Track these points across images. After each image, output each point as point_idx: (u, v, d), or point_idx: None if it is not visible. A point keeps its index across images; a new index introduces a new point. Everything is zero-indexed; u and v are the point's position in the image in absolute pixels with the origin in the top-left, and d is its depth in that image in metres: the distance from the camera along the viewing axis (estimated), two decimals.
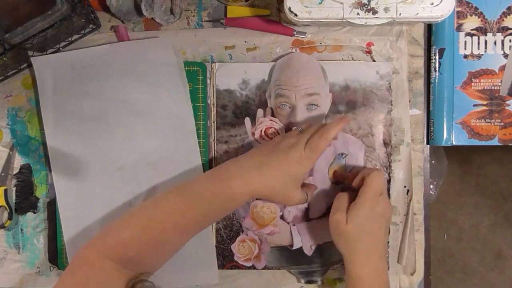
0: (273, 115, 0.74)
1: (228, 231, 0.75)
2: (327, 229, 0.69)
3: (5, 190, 0.74)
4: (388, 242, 0.74)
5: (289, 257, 0.74)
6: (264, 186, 0.62)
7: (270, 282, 0.76)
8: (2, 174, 0.75)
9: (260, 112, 0.74)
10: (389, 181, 0.74)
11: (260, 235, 0.74)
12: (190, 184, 0.64)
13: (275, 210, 0.73)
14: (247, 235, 0.74)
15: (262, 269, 0.74)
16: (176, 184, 0.65)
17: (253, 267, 0.74)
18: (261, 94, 0.74)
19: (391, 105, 0.74)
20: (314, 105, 0.73)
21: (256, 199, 0.71)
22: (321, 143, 0.63)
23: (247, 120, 0.74)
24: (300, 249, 0.74)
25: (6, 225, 0.74)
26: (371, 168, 0.70)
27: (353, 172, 0.70)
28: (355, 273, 0.64)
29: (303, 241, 0.74)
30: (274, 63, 0.75)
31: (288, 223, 0.74)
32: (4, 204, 0.74)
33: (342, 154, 0.74)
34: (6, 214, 0.74)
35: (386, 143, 0.74)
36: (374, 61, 0.75)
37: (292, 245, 0.74)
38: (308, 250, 0.74)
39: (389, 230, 0.73)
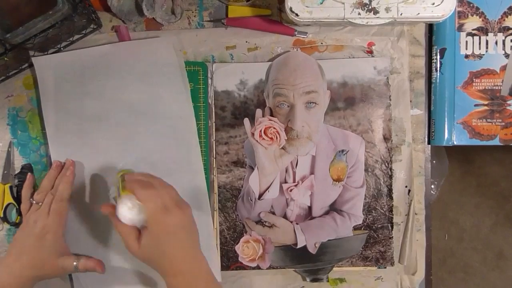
0: (272, 114, 0.74)
1: (232, 232, 0.75)
2: (331, 227, 0.70)
3: (11, 187, 0.74)
4: (391, 239, 0.74)
5: (294, 256, 0.74)
6: (25, 276, 0.65)
7: (272, 282, 0.76)
8: (5, 172, 0.75)
9: (258, 112, 0.74)
10: (390, 181, 0.75)
11: (263, 235, 0.74)
12: None
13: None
14: (250, 235, 0.74)
15: (266, 269, 0.74)
16: None
17: (258, 268, 0.74)
18: (259, 94, 0.74)
19: (390, 100, 0.74)
20: (313, 103, 0.73)
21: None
22: (58, 206, 0.69)
23: (246, 121, 0.74)
24: (305, 247, 0.74)
25: (17, 221, 0.74)
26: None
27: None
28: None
29: (307, 240, 0.74)
30: (271, 62, 0.75)
31: (291, 222, 0.74)
32: (12, 201, 0.74)
33: (342, 151, 0.74)
34: (15, 211, 0.74)
35: (386, 138, 0.74)
36: None
37: (296, 244, 0.74)
38: (313, 249, 0.74)
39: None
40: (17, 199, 0.75)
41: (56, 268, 0.67)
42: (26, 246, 0.66)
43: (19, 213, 0.74)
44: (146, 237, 0.59)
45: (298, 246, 0.74)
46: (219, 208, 0.75)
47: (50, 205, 0.69)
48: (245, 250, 0.75)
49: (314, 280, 0.75)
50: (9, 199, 0.74)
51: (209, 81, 0.75)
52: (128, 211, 0.60)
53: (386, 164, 0.74)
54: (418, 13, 0.65)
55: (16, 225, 0.75)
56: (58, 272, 0.68)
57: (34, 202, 0.70)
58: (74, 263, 0.68)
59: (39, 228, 0.67)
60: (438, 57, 0.74)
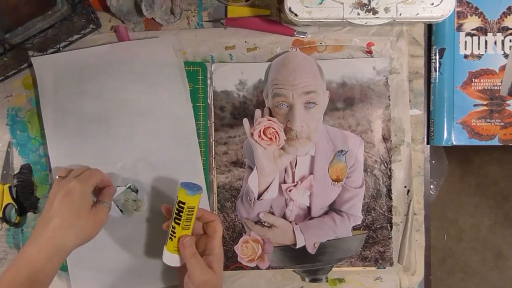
0: (271, 114, 0.74)
1: (231, 233, 0.74)
2: (330, 227, 0.71)
3: (10, 187, 0.74)
4: (391, 239, 0.74)
5: (293, 256, 0.74)
6: (54, 234, 0.61)
7: (271, 282, 0.76)
8: (4, 172, 0.75)
9: (258, 112, 0.74)
10: (389, 181, 0.75)
11: (262, 236, 0.74)
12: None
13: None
14: (249, 235, 0.74)
15: (266, 269, 0.74)
16: None
17: (257, 268, 0.74)
18: (258, 94, 0.74)
19: (389, 100, 0.74)
20: (312, 103, 0.73)
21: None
22: (89, 175, 0.66)
23: (246, 121, 0.74)
24: (304, 248, 0.74)
25: (16, 221, 0.74)
26: (211, 214, 0.66)
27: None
28: None
29: (306, 240, 0.74)
30: (270, 63, 0.75)
31: (290, 222, 0.74)
32: (11, 201, 0.74)
33: (341, 151, 0.74)
34: (14, 212, 0.74)
35: (385, 139, 0.74)
36: None
37: (295, 244, 0.74)
38: (312, 249, 0.74)
39: None
40: (16, 199, 0.75)
41: (93, 220, 0.64)
42: (52, 210, 0.62)
43: (18, 213, 0.74)
44: (219, 262, 0.64)
45: (297, 246, 0.74)
46: (218, 208, 0.75)
47: (76, 173, 0.66)
48: (244, 250, 0.74)
49: (314, 280, 0.75)
50: (8, 199, 0.74)
51: (208, 81, 0.75)
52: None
53: (385, 164, 0.74)
54: (417, 13, 0.65)
55: (15, 225, 0.75)
56: (94, 225, 0.64)
57: (57, 177, 0.68)
58: (105, 203, 0.67)
59: (65, 190, 0.63)
60: (437, 57, 0.74)
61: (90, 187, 0.66)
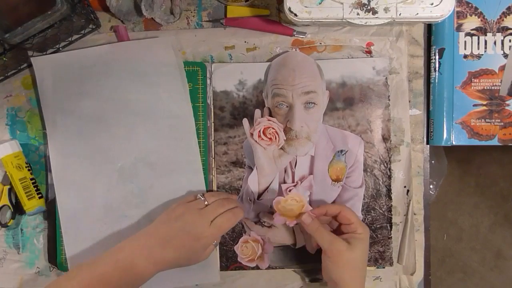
0: (270, 115, 0.74)
1: (231, 233, 0.74)
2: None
3: (9, 189, 0.74)
4: (390, 239, 0.74)
5: (293, 256, 0.74)
6: (169, 261, 0.65)
7: (270, 282, 0.76)
8: (6, 173, 0.75)
9: (257, 112, 0.74)
10: (389, 181, 0.75)
11: (262, 235, 0.74)
12: (93, 269, 0.62)
13: (300, 199, 0.70)
14: (249, 235, 0.74)
15: (266, 269, 0.74)
16: (80, 266, 0.63)
17: (257, 268, 0.74)
18: (258, 94, 0.74)
19: (389, 100, 0.74)
20: (312, 103, 0.73)
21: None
22: (227, 225, 0.67)
23: (245, 121, 0.74)
24: (304, 247, 0.74)
25: (8, 224, 0.74)
26: (333, 206, 0.69)
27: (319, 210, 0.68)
28: None
29: (306, 240, 0.74)
30: (269, 63, 0.75)
31: None
32: (8, 203, 0.74)
33: (341, 151, 0.74)
34: (9, 214, 0.74)
35: (385, 139, 0.74)
36: None
37: (295, 244, 0.74)
38: (312, 249, 0.74)
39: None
40: (13, 202, 0.74)
41: (197, 259, 0.67)
42: (176, 230, 0.64)
43: (12, 216, 0.74)
44: (359, 242, 0.64)
45: (297, 246, 0.74)
46: None
47: (212, 216, 0.66)
48: (244, 250, 0.74)
49: (313, 280, 0.75)
50: (5, 200, 0.74)
51: (208, 81, 0.75)
52: None
53: (385, 164, 0.74)
54: (417, 13, 0.65)
55: (7, 227, 0.74)
56: (195, 261, 0.67)
57: (201, 198, 0.68)
58: (214, 245, 0.68)
59: (196, 232, 0.65)
60: (437, 57, 0.74)
61: (225, 231, 0.68)
